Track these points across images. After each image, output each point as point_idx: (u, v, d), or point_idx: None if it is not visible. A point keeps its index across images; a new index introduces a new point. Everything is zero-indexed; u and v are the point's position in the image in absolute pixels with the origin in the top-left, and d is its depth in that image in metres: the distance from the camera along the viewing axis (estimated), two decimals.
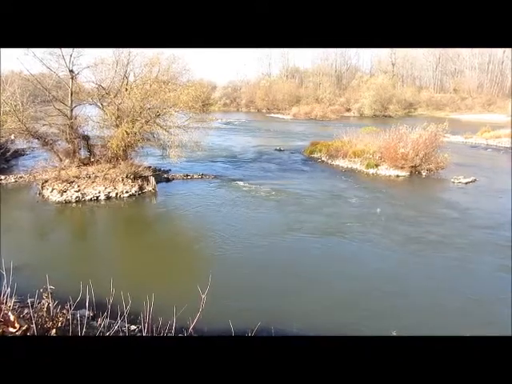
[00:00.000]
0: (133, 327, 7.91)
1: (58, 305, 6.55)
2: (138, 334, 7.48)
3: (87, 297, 6.03)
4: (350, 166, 26.74)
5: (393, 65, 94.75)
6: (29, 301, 6.31)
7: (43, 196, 19.21)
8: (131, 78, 22.50)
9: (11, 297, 6.71)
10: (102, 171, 20.37)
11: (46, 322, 5.98)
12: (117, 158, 21.20)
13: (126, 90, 21.30)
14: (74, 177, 19.79)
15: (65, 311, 6.43)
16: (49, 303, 6.24)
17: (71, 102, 21.17)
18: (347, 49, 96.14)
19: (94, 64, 21.65)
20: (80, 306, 6.60)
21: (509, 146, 36.47)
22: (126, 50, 21.39)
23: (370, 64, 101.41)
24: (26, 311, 6.45)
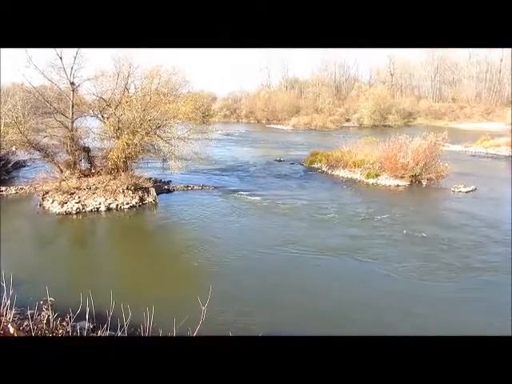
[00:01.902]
0: None
1: (57, 317, 6.52)
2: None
3: (87, 309, 6.01)
4: (350, 176, 26.75)
5: (391, 75, 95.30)
6: (28, 313, 6.29)
7: (44, 207, 19.21)
8: (132, 90, 22.67)
9: (11, 309, 6.68)
10: (103, 182, 20.39)
11: (45, 334, 5.95)
12: (117, 170, 21.25)
13: (127, 101, 21.41)
14: (74, 188, 19.80)
15: (64, 323, 6.40)
16: (49, 315, 6.21)
17: (72, 114, 21.27)
18: (346, 59, 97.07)
19: (94, 76, 21.83)
20: (80, 317, 6.56)
21: (508, 154, 36.56)
22: (126, 63, 21.58)
23: (369, 74, 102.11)
24: (25, 323, 6.43)
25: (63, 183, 19.91)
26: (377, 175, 25.54)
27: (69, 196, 19.47)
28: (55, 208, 18.83)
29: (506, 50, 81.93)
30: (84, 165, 22.38)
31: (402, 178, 24.63)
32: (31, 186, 21.55)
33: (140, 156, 22.40)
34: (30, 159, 26.79)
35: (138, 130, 21.11)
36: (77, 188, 19.86)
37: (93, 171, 21.73)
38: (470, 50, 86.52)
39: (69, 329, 6.40)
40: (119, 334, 6.20)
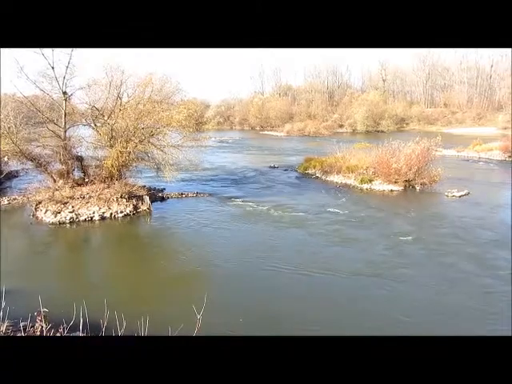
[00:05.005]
0: None
1: (51, 328, 6.44)
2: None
3: (81, 319, 5.94)
4: (344, 182, 26.83)
5: (383, 81, 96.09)
6: (21, 324, 6.22)
7: (37, 217, 19.07)
8: (125, 99, 22.62)
9: (3, 321, 6.60)
10: (96, 191, 20.28)
11: None
12: (111, 178, 21.17)
13: (120, 110, 21.38)
14: (67, 197, 19.68)
15: (58, 334, 6.33)
16: (42, 326, 6.14)
17: (65, 123, 21.21)
18: (338, 65, 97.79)
19: (87, 85, 21.79)
20: (74, 328, 6.49)
21: (500, 158, 36.97)
22: (119, 71, 21.58)
23: (362, 80, 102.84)
24: (18, 335, 6.34)
25: (56, 193, 19.79)
26: (370, 180, 25.63)
27: (62, 205, 19.35)
28: (48, 218, 18.70)
29: (496, 56, 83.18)
30: (77, 174, 22.30)
31: (395, 182, 24.74)
32: (24, 196, 21.40)
33: (134, 164, 22.36)
34: (23, 169, 26.66)
35: (132, 138, 21.10)
36: (70, 197, 19.75)
37: (86, 180, 21.64)
38: (461, 55, 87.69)
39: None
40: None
